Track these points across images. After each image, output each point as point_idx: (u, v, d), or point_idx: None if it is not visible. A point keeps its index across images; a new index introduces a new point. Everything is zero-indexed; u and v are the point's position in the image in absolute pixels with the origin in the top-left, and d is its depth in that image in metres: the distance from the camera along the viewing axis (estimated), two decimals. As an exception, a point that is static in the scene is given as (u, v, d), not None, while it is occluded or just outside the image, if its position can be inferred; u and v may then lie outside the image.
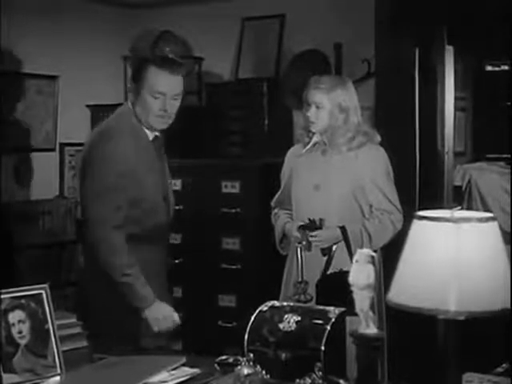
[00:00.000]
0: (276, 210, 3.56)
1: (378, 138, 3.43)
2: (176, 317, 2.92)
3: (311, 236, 3.28)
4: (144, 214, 2.91)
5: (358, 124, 3.38)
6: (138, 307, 2.85)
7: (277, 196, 3.59)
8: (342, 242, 3.31)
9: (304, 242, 3.25)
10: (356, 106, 3.40)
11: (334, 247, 3.31)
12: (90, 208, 2.88)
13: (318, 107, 3.33)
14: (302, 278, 3.05)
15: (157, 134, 2.99)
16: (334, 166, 3.36)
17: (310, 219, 3.30)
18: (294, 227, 3.34)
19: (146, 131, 2.95)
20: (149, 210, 2.92)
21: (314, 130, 3.38)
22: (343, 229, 3.30)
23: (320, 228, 3.28)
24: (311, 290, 3.11)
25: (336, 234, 3.31)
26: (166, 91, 2.87)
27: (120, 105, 3.15)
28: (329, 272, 3.25)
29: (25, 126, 5.11)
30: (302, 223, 3.31)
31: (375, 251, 3.30)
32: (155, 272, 2.96)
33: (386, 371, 3.23)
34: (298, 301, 2.95)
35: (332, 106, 3.33)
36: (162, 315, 2.88)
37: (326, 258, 3.30)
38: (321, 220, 3.29)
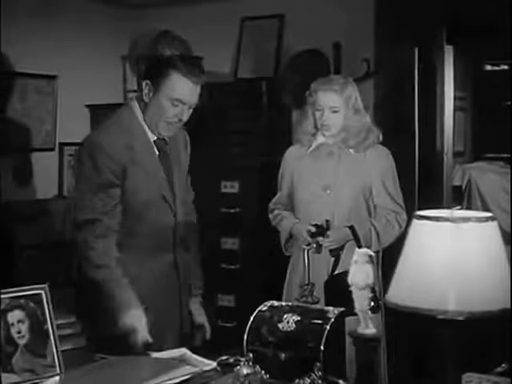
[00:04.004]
0: (277, 212, 3.50)
1: (381, 138, 3.41)
2: (146, 336, 2.59)
3: (322, 238, 3.24)
4: (136, 215, 2.76)
5: (369, 123, 3.37)
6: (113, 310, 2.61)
7: (276, 198, 3.54)
8: (350, 242, 3.29)
9: (314, 245, 3.22)
10: (363, 105, 3.39)
11: (344, 247, 3.28)
12: (77, 206, 2.76)
13: (333, 111, 3.29)
14: (309, 280, 3.03)
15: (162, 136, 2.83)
16: (343, 167, 3.33)
17: (317, 224, 3.25)
18: (304, 229, 3.28)
19: (147, 131, 2.79)
20: (142, 210, 2.77)
21: (329, 134, 3.33)
22: (352, 228, 3.29)
23: (328, 230, 3.25)
24: (318, 292, 3.08)
25: (346, 233, 3.28)
26: (186, 101, 2.72)
27: (119, 104, 3.10)
28: (336, 272, 3.23)
29: (24, 126, 5.10)
30: (310, 229, 3.24)
31: (377, 252, 3.30)
32: (161, 285, 2.81)
33: (386, 371, 3.22)
34: (306, 303, 2.92)
35: (346, 107, 3.29)
36: (135, 326, 2.60)
37: (333, 259, 3.27)
38: (327, 221, 3.25)
